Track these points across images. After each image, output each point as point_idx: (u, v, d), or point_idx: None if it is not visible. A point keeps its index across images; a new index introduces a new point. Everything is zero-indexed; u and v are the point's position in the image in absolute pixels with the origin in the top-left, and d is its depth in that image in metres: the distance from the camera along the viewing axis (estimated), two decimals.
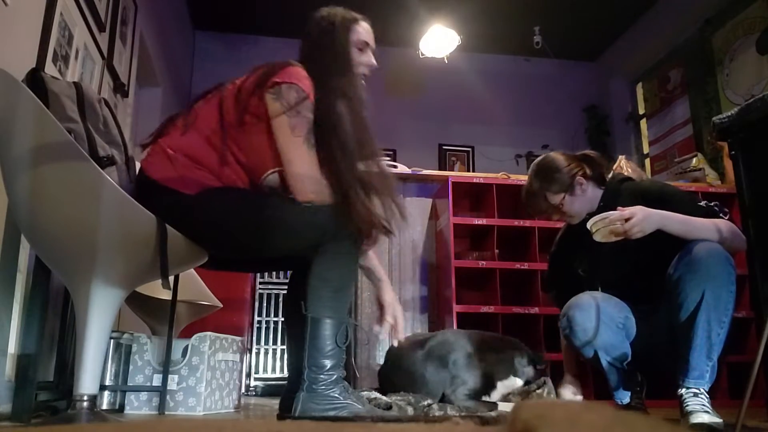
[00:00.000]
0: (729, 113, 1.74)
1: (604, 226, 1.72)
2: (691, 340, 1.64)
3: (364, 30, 1.70)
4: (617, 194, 1.96)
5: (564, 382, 2.08)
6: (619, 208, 1.73)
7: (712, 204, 1.81)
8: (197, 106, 1.60)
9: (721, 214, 1.77)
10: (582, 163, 2.00)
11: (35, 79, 1.59)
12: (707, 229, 1.72)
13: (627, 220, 1.68)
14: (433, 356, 2.20)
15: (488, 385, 2.14)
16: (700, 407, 1.59)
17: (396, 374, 2.18)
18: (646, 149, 5.36)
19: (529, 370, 2.17)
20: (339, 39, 1.65)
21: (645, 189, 1.94)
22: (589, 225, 1.75)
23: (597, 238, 1.75)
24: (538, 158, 2.07)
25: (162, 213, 1.45)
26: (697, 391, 1.62)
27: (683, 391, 1.64)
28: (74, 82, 1.69)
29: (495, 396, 2.14)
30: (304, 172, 1.49)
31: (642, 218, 1.68)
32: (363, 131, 1.57)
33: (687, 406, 1.61)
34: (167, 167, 1.50)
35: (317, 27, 1.67)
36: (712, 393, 1.66)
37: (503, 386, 2.14)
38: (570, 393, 2.05)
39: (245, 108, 1.51)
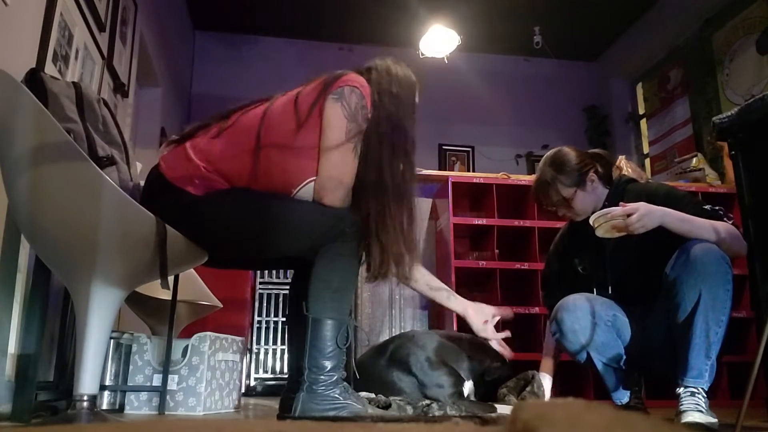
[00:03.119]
0: (729, 113, 1.74)
1: (606, 221, 1.73)
2: (690, 339, 1.64)
3: (418, 95, 1.72)
4: (623, 194, 1.97)
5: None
6: (621, 204, 1.74)
7: (717, 208, 1.81)
8: (236, 115, 1.57)
9: (725, 218, 1.78)
10: (593, 160, 2.02)
11: (34, 80, 1.59)
12: (707, 228, 1.72)
13: (629, 215, 1.69)
14: (396, 361, 2.15)
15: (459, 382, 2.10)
16: (693, 406, 1.59)
17: (368, 384, 2.13)
18: (646, 149, 5.36)
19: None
20: (410, 98, 1.65)
21: (652, 191, 1.94)
22: (591, 220, 1.77)
23: (599, 233, 1.76)
24: (551, 151, 2.05)
25: (167, 211, 1.45)
26: (695, 390, 1.63)
27: (681, 390, 1.64)
28: (73, 82, 1.69)
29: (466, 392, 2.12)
30: (342, 176, 1.49)
31: (644, 213, 1.69)
32: (411, 187, 1.59)
33: (681, 405, 1.61)
34: (181, 167, 1.50)
35: (390, 79, 1.64)
36: (712, 393, 1.66)
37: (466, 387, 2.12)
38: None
39: (306, 118, 1.49)
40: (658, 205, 1.80)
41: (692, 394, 1.62)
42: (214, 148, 1.50)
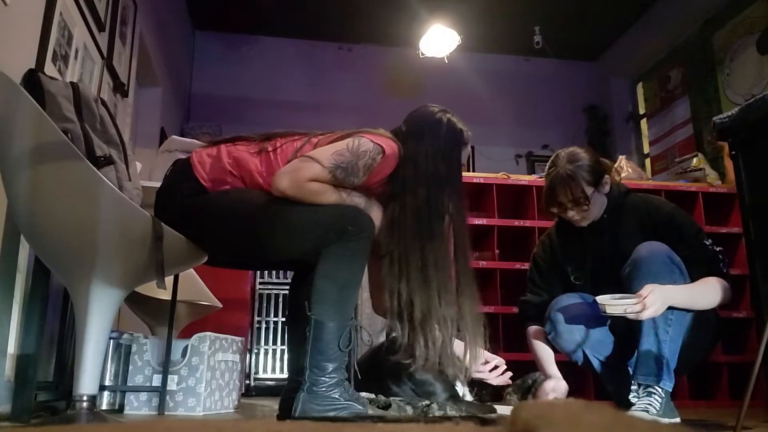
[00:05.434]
0: (729, 113, 1.74)
1: (621, 309, 1.66)
2: (640, 337, 1.67)
3: (467, 152, 1.68)
4: (621, 207, 1.94)
5: (546, 387, 1.93)
6: (638, 293, 1.65)
7: (718, 249, 1.79)
8: (279, 141, 1.58)
9: (722, 263, 1.77)
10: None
11: (32, 80, 1.60)
12: (708, 301, 1.73)
13: (644, 305, 1.63)
14: (388, 369, 2.11)
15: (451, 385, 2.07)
16: (642, 406, 1.60)
17: (369, 386, 2.09)
18: (646, 149, 5.36)
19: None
20: (457, 153, 1.62)
21: (654, 209, 1.89)
22: (601, 300, 1.69)
23: (607, 313, 1.70)
24: (565, 150, 1.96)
25: (180, 200, 1.51)
26: (653, 390, 1.63)
27: (634, 386, 1.66)
28: (71, 82, 1.69)
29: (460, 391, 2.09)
30: (299, 173, 1.45)
31: (658, 307, 1.62)
32: (466, 253, 1.59)
33: (636, 403, 1.62)
34: (209, 163, 1.56)
35: (435, 129, 1.61)
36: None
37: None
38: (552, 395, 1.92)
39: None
40: (659, 226, 1.82)
41: (649, 394, 1.63)
42: (250, 163, 1.55)
